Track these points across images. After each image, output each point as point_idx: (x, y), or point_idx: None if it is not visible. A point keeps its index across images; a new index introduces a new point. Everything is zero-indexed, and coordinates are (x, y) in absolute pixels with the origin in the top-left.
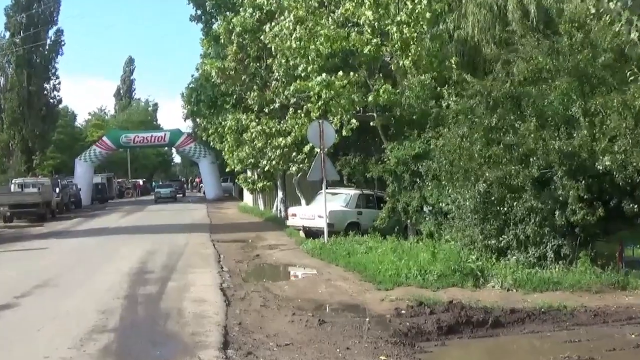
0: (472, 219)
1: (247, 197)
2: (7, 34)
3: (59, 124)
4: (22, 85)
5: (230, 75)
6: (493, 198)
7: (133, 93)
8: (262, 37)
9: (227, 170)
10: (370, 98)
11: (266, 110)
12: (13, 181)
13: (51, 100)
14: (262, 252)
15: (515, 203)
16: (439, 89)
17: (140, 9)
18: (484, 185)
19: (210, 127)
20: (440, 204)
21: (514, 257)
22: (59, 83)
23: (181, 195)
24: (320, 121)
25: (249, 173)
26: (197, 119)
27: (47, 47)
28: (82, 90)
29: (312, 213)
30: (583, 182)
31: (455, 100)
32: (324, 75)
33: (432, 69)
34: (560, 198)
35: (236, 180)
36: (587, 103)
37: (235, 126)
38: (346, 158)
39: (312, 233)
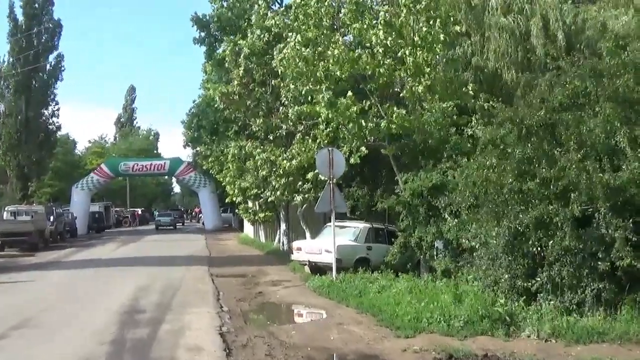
0: (500, 258)
1: (248, 229)
2: (10, 59)
3: (57, 151)
4: (20, 110)
5: (235, 100)
6: (524, 237)
7: (134, 121)
8: (269, 61)
9: (227, 200)
10: (382, 124)
11: (271, 137)
12: (5, 209)
13: (49, 127)
14: (264, 289)
15: (550, 242)
16: (456, 116)
17: (143, 38)
18: (517, 224)
19: (211, 154)
20: (461, 240)
21: (548, 301)
22: (58, 109)
23: (180, 224)
24: (329, 148)
25: (250, 203)
26: (198, 147)
27: (47, 72)
28: (83, 118)
29: (319, 247)
30: (631, 221)
31: (482, 129)
32: (328, 94)
33: (448, 96)
34: (606, 238)
35: (237, 211)
36: (633, 131)
37: (239, 154)
38: (349, 190)
39: (318, 269)
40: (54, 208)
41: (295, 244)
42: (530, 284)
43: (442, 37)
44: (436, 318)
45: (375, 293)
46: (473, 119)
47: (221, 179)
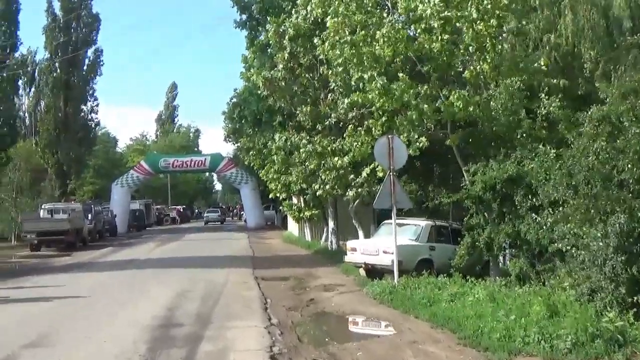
0: (606, 263)
1: (292, 226)
2: (46, 54)
3: (98, 149)
4: (59, 107)
5: (280, 86)
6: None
7: (175, 119)
8: (315, 44)
9: (271, 196)
10: (443, 111)
11: (319, 128)
12: (42, 206)
13: (88, 123)
14: (317, 296)
15: None
16: (526, 99)
17: (183, 36)
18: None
19: (254, 147)
20: (543, 241)
21: None
22: (97, 105)
23: (219, 223)
24: (389, 136)
25: (294, 200)
26: (240, 141)
27: (86, 68)
28: (126, 117)
29: (376, 248)
30: None
31: (598, 108)
32: (382, 78)
33: (517, 75)
34: None
35: (280, 208)
36: None
37: (284, 146)
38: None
39: (375, 272)
40: (92, 206)
41: (349, 244)
42: None
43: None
44: (533, 337)
45: (448, 302)
46: (545, 98)
47: (263, 175)
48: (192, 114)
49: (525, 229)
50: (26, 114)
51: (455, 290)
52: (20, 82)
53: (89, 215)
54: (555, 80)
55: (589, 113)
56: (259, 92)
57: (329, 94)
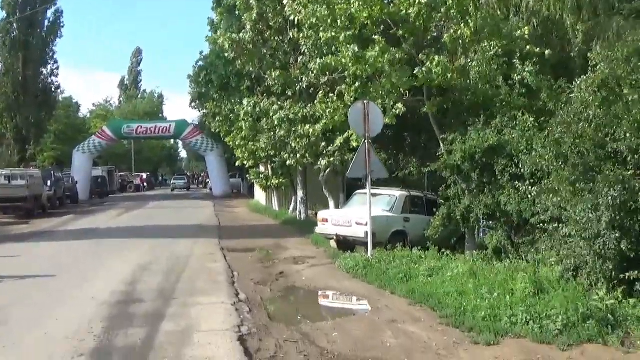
0: (596, 237)
1: (259, 195)
2: (3, 13)
3: (60, 115)
4: (17, 69)
5: (248, 49)
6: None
7: (139, 85)
8: (285, 4)
9: (238, 164)
10: (420, 77)
11: (289, 93)
12: None
13: (48, 86)
14: (286, 269)
15: None
16: (506, 65)
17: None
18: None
19: (220, 113)
20: (525, 214)
21: None
22: (58, 68)
23: (186, 190)
24: (365, 101)
25: (262, 168)
26: (206, 106)
27: (45, 29)
28: (89, 83)
29: (348, 219)
30: None
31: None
32: (354, 47)
33: (498, 41)
34: None
35: (247, 176)
36: None
37: (252, 111)
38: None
39: (346, 243)
40: (52, 172)
41: (321, 215)
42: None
43: None
44: (521, 317)
45: (426, 277)
46: (520, 64)
47: (230, 141)
48: (157, 81)
49: (505, 200)
50: None
51: (433, 264)
52: None
53: (49, 182)
54: (538, 49)
55: (584, 78)
56: (226, 55)
57: (300, 57)
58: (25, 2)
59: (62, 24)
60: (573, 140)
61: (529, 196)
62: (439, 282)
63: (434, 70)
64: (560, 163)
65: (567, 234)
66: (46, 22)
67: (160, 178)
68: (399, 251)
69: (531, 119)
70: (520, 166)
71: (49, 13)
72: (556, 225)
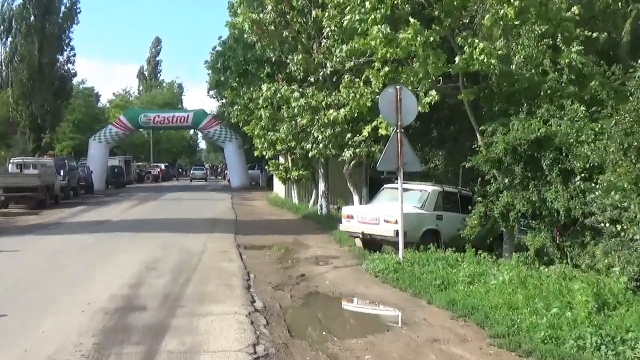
0: None
1: (278, 188)
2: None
3: (79, 104)
4: (33, 55)
5: (269, 31)
6: None
7: (158, 75)
8: None
9: (257, 154)
10: (459, 63)
11: (312, 80)
12: (11, 160)
13: (65, 74)
14: (308, 270)
15: None
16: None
17: None
18: None
19: (239, 101)
20: (575, 212)
21: None
22: (74, 55)
23: (204, 180)
24: (397, 87)
25: (281, 159)
26: (223, 96)
27: (61, 15)
28: (109, 74)
29: (376, 216)
30: None
31: None
32: (383, 27)
33: (544, 23)
34: None
35: (266, 168)
36: None
37: (273, 97)
38: None
39: (372, 242)
40: (66, 161)
41: (345, 211)
42: None
43: None
44: (590, 340)
45: (466, 284)
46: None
47: (249, 131)
48: (176, 71)
49: (552, 196)
50: (2, 65)
51: (472, 269)
52: None
53: (62, 171)
54: (589, 33)
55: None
56: (246, 37)
57: (324, 41)
58: None
59: (78, 10)
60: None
61: (580, 193)
62: (482, 291)
63: (475, 56)
64: (633, 157)
65: (631, 237)
66: (62, 8)
67: (178, 170)
68: (432, 253)
69: (582, 108)
70: (571, 160)
71: None
72: (618, 227)
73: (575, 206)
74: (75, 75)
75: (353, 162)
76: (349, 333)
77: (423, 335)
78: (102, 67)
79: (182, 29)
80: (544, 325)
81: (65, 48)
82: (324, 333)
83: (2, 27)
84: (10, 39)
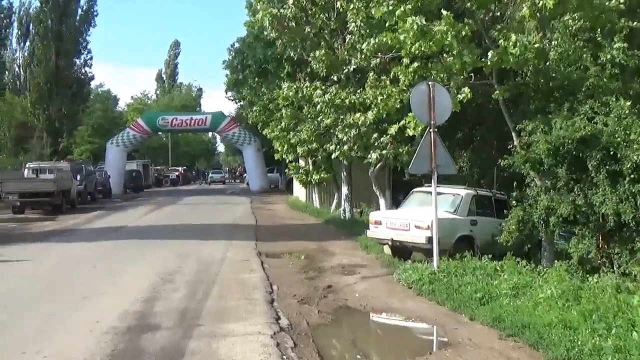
0: None
1: (298, 191)
2: (38, 3)
3: (97, 107)
4: (50, 59)
5: (289, 27)
6: None
7: (176, 77)
8: None
9: (277, 157)
10: (494, 57)
11: (335, 78)
12: (27, 165)
13: (81, 77)
14: (335, 281)
15: None
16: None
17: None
18: None
19: (258, 102)
20: (625, 216)
21: None
22: (91, 58)
23: (222, 183)
24: (429, 83)
25: (301, 162)
26: (242, 96)
27: (78, 18)
28: (128, 78)
29: (406, 221)
30: None
31: None
32: (420, 18)
33: (588, 14)
34: None
35: (286, 171)
36: None
37: (294, 97)
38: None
39: (402, 249)
40: (83, 165)
41: (373, 216)
42: None
43: None
44: None
45: (510, 298)
46: (606, 41)
47: (268, 133)
48: (195, 74)
49: (600, 199)
50: (21, 69)
51: (515, 280)
52: (13, 35)
53: (79, 176)
54: (633, 23)
55: None
56: (266, 35)
57: (348, 37)
58: None
59: (95, 13)
60: None
61: (630, 196)
62: (530, 306)
63: (509, 50)
64: None
65: None
66: (79, 11)
67: (194, 173)
68: (468, 262)
69: (627, 104)
70: (621, 160)
71: (82, 1)
72: None
73: (626, 210)
74: (92, 78)
75: (379, 164)
76: (387, 357)
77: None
78: (121, 72)
79: (200, 32)
80: (610, 348)
81: (82, 51)
82: (358, 357)
83: (19, 32)
84: (27, 43)
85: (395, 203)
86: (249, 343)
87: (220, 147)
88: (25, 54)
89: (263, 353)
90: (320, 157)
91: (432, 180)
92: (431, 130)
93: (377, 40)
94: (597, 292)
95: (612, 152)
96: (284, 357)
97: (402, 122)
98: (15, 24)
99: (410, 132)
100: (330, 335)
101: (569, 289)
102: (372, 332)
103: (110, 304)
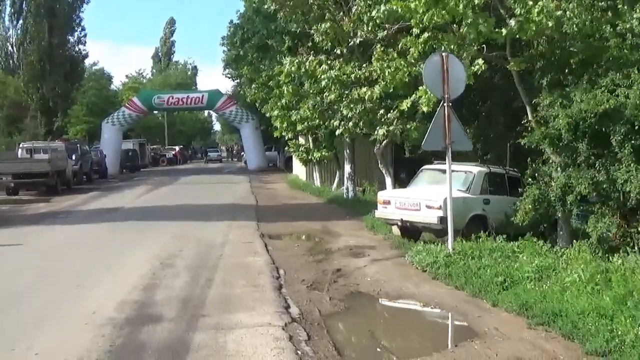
0: None
1: (298, 170)
2: None
3: (91, 86)
4: (43, 36)
5: None
6: None
7: (172, 56)
8: None
9: (276, 135)
10: (513, 26)
11: (338, 52)
12: (21, 145)
13: (75, 55)
14: (344, 264)
15: None
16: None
17: None
18: None
19: (257, 78)
20: None
21: None
22: (85, 35)
23: (219, 162)
24: (443, 54)
25: (301, 140)
26: (241, 73)
27: None
28: (122, 57)
29: (416, 201)
30: None
31: None
32: None
33: None
34: None
35: (286, 149)
36: None
37: (297, 71)
38: None
39: (412, 230)
40: (78, 145)
41: (382, 196)
42: None
43: None
44: None
45: (535, 281)
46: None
47: (268, 111)
48: (191, 52)
49: (624, 176)
50: (14, 48)
51: (537, 262)
52: (6, 13)
53: (74, 156)
54: None
55: None
56: (266, 7)
57: (354, 8)
58: None
59: None
60: None
61: None
62: (557, 292)
63: (532, 17)
64: None
65: None
66: None
67: (190, 152)
68: (483, 242)
69: None
70: None
71: None
72: None
73: None
74: (86, 56)
75: (385, 141)
76: (409, 349)
77: (503, 353)
78: (115, 50)
79: (196, 8)
80: None
81: (75, 28)
82: (378, 350)
83: (12, 9)
84: (21, 21)
85: (397, 180)
86: (259, 336)
87: (217, 126)
88: (19, 32)
89: (275, 348)
90: (321, 134)
91: (447, 157)
92: (445, 104)
93: (386, 8)
94: (629, 276)
95: (637, 127)
96: (298, 351)
97: (413, 97)
98: (8, 2)
99: (423, 108)
100: (345, 326)
101: (596, 272)
102: (389, 321)
103: (107, 292)
